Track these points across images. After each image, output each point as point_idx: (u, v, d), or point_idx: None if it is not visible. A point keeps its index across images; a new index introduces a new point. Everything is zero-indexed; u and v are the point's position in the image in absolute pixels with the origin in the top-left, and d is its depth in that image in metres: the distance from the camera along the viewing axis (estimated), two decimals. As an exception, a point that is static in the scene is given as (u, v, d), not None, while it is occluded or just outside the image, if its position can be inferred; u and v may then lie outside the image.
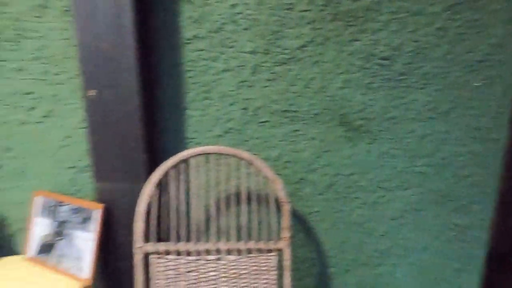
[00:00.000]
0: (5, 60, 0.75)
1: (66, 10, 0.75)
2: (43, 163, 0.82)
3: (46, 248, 0.79)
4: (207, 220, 0.77)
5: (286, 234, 0.76)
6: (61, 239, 0.77)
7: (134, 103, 0.70)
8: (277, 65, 0.84)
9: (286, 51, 0.83)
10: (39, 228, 0.80)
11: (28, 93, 0.78)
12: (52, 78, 0.78)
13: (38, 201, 0.81)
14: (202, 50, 0.81)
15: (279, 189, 0.76)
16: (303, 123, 0.88)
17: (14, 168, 0.81)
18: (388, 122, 0.87)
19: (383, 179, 0.91)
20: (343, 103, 0.86)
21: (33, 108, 0.79)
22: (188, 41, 0.80)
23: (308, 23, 0.80)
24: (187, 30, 0.79)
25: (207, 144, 0.86)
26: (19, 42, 0.75)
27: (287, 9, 0.79)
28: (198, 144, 0.86)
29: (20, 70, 0.76)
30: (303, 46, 0.83)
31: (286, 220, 0.76)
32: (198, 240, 0.75)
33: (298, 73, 0.85)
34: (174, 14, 0.78)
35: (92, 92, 0.69)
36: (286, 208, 0.76)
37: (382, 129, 0.87)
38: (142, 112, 0.71)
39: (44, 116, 0.80)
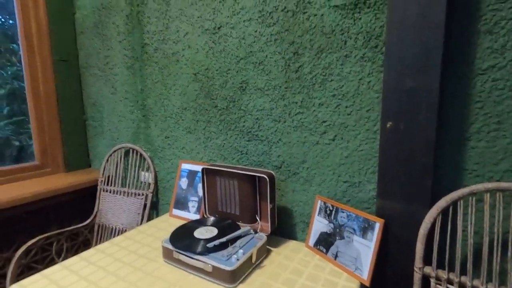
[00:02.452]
0: (315, 98, 1.04)
1: (362, 57, 0.94)
2: (326, 175, 1.06)
3: (324, 242, 1.00)
4: (502, 262, 0.71)
5: None
6: (340, 239, 0.95)
7: (429, 136, 0.77)
8: None
9: None
10: (318, 224, 1.04)
11: (324, 121, 1.03)
12: (343, 110, 0.99)
13: (319, 203, 1.05)
14: (498, 80, 0.78)
15: None
16: None
17: (305, 176, 1.10)
18: None
19: None
20: None
21: (325, 133, 1.04)
22: (483, 72, 0.79)
23: None
24: (484, 61, 0.78)
25: (491, 178, 0.80)
26: (325, 84, 1.01)
27: None
28: (478, 177, 0.82)
29: (322, 104, 1.03)
30: None
31: None
32: (487, 279, 0.71)
33: None
34: (470, 46, 0.79)
35: (389, 124, 0.82)
36: None
37: None
38: (435, 144, 0.77)
39: (332, 139, 1.03)
